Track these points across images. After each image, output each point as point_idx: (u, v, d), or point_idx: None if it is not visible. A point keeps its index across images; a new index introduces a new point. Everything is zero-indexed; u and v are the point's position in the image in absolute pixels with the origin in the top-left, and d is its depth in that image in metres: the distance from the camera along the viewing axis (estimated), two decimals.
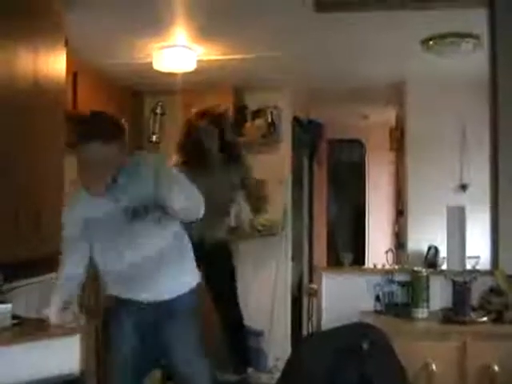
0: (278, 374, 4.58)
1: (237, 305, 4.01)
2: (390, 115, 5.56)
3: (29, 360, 2.30)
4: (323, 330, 2.64)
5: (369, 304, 2.64)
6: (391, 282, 2.57)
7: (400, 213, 5.19)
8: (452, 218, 2.83)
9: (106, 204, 2.40)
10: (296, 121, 5.46)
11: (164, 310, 2.49)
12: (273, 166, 5.18)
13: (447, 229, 2.76)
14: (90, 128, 2.38)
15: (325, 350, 2.06)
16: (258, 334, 4.81)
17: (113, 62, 4.16)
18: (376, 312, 2.59)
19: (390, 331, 2.15)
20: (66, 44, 3.20)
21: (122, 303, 2.53)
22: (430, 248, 4.46)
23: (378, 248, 5.58)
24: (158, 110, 5.09)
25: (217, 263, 3.88)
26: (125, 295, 2.52)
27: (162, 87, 4.78)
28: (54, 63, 3.11)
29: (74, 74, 4.11)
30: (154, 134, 5.06)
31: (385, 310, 2.58)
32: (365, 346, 1.92)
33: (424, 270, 2.55)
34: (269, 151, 5.20)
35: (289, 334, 5.05)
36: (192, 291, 2.56)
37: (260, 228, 5.05)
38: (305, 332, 5.08)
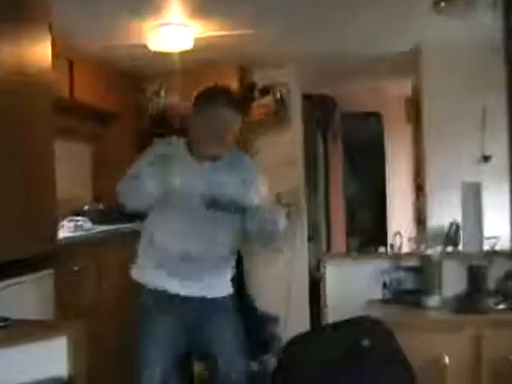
0: None
1: (245, 289, 3.84)
2: (406, 86, 5.29)
3: (13, 364, 2.17)
4: (327, 323, 2.46)
5: (376, 292, 2.44)
6: (399, 268, 2.36)
7: (419, 188, 4.94)
8: (467, 195, 2.61)
9: (193, 178, 2.31)
10: (306, 97, 5.24)
11: (206, 307, 2.41)
12: (283, 146, 4.99)
13: (462, 207, 2.54)
14: (227, 94, 2.46)
15: (325, 346, 1.90)
16: (274, 320, 4.66)
17: (108, 46, 3.98)
18: (383, 301, 2.39)
19: (398, 322, 1.97)
20: (51, 30, 3.03)
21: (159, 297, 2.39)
22: (451, 224, 4.22)
23: (399, 225, 5.36)
24: (162, 94, 4.91)
25: None
26: (164, 285, 2.38)
27: (165, 70, 4.59)
28: (37, 50, 2.94)
29: (69, 61, 3.97)
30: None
31: (393, 298, 2.38)
32: (365, 343, 1.74)
33: (436, 253, 2.32)
34: (278, 131, 4.99)
35: (307, 318, 4.88)
36: (231, 295, 2.53)
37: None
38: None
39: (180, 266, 2.37)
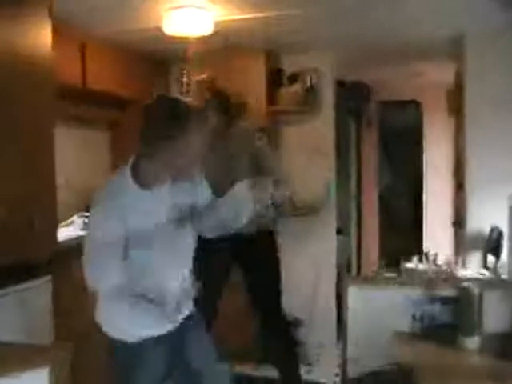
0: (317, 367, 4.25)
1: (279, 304, 3.54)
2: (448, 73, 4.88)
3: None
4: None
5: (404, 323, 2.12)
6: (432, 299, 2.03)
7: (459, 186, 4.56)
8: None
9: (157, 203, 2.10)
10: (339, 84, 4.88)
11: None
12: (313, 136, 4.68)
13: (509, 227, 2.18)
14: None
15: None
16: (298, 324, 4.38)
17: (124, 30, 3.70)
18: (413, 335, 2.06)
19: (428, 365, 1.66)
20: (51, 13, 2.78)
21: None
22: (492, 230, 3.86)
23: (436, 223, 5.02)
24: (184, 79, 4.60)
25: (258, 255, 3.43)
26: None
27: (188, 54, 4.30)
28: (36, 34, 2.70)
29: (82, 47, 3.70)
30: None
31: (424, 333, 2.05)
32: None
33: (476, 284, 1.97)
34: (308, 120, 4.68)
35: (334, 321, 4.59)
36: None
37: (300, 205, 4.56)
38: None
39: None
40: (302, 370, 3.84)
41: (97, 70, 3.79)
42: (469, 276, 3.07)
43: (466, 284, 1.96)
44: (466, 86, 4.29)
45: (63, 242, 2.96)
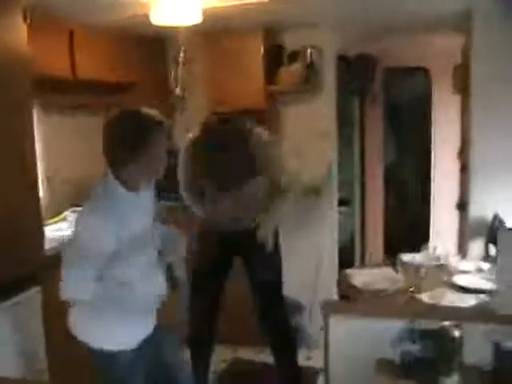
0: (317, 352, 4.23)
1: (280, 294, 3.51)
2: (457, 47, 4.68)
3: None
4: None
5: (387, 351, 2.06)
6: (412, 336, 1.96)
7: (463, 167, 4.43)
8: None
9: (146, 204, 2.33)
10: (342, 59, 4.71)
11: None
12: (314, 115, 4.55)
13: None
14: None
15: None
16: (298, 309, 4.35)
17: (112, 18, 3.57)
18: (394, 370, 2.00)
19: None
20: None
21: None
22: (494, 217, 3.76)
23: (443, 203, 4.88)
24: (181, 59, 4.47)
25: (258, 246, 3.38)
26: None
27: (185, 32, 4.14)
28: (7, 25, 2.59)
29: (69, 33, 3.58)
30: (176, 86, 4.47)
31: (405, 368, 1.99)
32: None
33: (455, 326, 1.90)
34: (309, 99, 4.55)
35: None
36: None
37: (300, 189, 4.48)
38: None
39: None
40: (302, 356, 3.87)
41: (87, 58, 3.69)
42: (462, 283, 2.97)
43: (445, 324, 1.88)
44: (473, 64, 4.11)
45: (51, 248, 2.90)
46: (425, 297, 2.93)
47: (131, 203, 2.17)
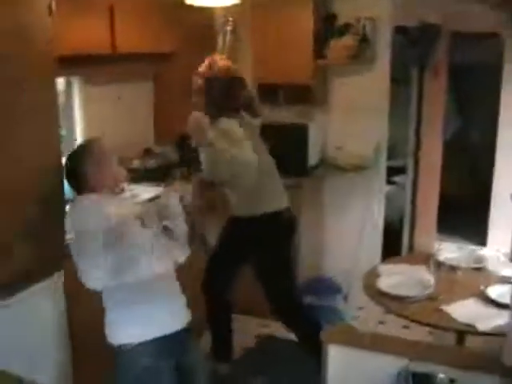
0: None
1: (291, 292, 3.46)
2: None
3: None
4: None
5: None
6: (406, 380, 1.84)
7: None
8: None
9: None
10: (400, 30, 4.42)
11: None
12: (365, 91, 4.33)
13: None
14: None
15: None
16: (336, 291, 4.28)
17: None
18: None
19: None
20: None
21: None
22: None
23: (507, 186, 4.53)
24: (228, 28, 4.31)
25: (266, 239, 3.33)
26: None
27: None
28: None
29: (109, 8, 3.50)
30: (223, 55, 4.32)
31: None
32: None
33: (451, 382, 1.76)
34: (360, 74, 4.34)
35: None
36: None
37: (346, 166, 4.34)
38: None
39: None
40: None
41: (128, 32, 3.59)
42: (493, 295, 2.80)
43: (440, 377, 1.76)
44: None
45: None
46: (452, 309, 2.79)
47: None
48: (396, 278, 3.11)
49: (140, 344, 2.26)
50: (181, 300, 2.44)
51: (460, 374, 1.78)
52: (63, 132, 3.75)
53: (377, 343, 2.00)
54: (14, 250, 2.49)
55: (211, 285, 3.45)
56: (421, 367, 1.84)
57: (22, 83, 2.48)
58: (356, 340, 2.03)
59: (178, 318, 2.38)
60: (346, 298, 4.23)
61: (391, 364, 1.91)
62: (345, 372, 2.02)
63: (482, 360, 1.83)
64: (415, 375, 1.79)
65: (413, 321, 2.81)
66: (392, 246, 4.71)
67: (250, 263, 3.40)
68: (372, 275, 3.23)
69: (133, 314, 2.29)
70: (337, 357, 2.02)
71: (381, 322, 4.19)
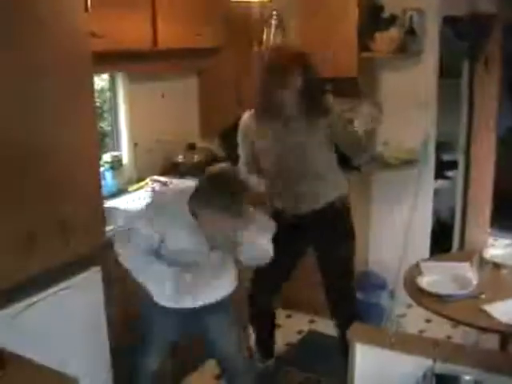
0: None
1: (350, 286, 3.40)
2: None
3: None
4: None
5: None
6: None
7: None
8: None
9: None
10: (449, 20, 4.29)
11: None
12: (412, 85, 4.24)
13: None
14: None
15: None
16: (380, 287, 4.21)
17: None
18: None
19: None
20: None
21: None
22: None
23: None
24: (273, 21, 4.31)
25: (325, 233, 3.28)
26: None
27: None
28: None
29: (151, 4, 3.53)
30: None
31: None
32: None
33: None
34: (407, 66, 4.25)
35: None
36: None
37: (393, 162, 4.26)
38: None
39: None
40: None
41: (170, 27, 3.61)
42: None
43: (465, 378, 1.70)
44: None
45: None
46: (494, 309, 2.69)
47: None
48: (437, 275, 3.03)
49: None
50: None
51: (486, 376, 1.72)
52: (108, 128, 3.84)
53: (402, 343, 1.95)
54: (51, 243, 2.53)
55: (258, 298, 3.43)
56: (446, 368, 1.78)
57: (58, 77, 2.51)
58: (381, 339, 1.99)
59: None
60: (392, 295, 4.14)
61: (416, 364, 1.86)
62: (371, 371, 1.98)
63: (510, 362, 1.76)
64: (439, 377, 1.74)
65: (452, 320, 2.73)
66: (443, 242, 4.61)
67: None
68: (414, 272, 3.16)
69: None
70: (363, 356, 1.99)
71: (428, 321, 4.09)
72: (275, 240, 3.23)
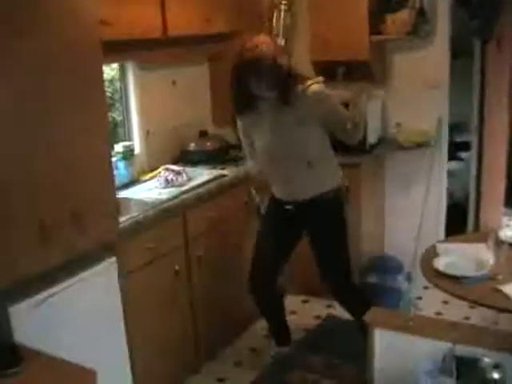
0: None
1: (347, 273, 3.42)
2: None
3: None
4: None
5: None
6: (450, 365, 1.79)
7: None
8: None
9: None
10: (460, 0, 4.24)
11: None
12: (424, 66, 4.21)
13: None
14: None
15: None
16: (397, 270, 4.20)
17: None
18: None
19: None
20: None
21: None
22: None
23: None
24: (283, 6, 4.29)
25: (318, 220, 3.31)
26: None
27: None
28: None
29: None
30: (277, 35, 4.30)
31: None
32: None
33: (495, 367, 1.69)
34: (418, 49, 4.21)
35: None
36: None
37: (407, 143, 4.25)
38: None
39: None
40: None
41: (179, 15, 3.59)
42: None
43: (485, 361, 1.70)
44: None
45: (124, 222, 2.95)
46: (511, 290, 2.69)
47: None
48: (453, 256, 3.04)
49: None
50: None
51: (506, 357, 1.72)
52: (119, 118, 3.84)
53: (420, 327, 1.96)
54: (65, 234, 2.50)
55: (258, 284, 3.46)
56: (466, 351, 1.79)
57: (68, 66, 2.46)
58: (400, 324, 1.99)
59: None
60: (409, 278, 4.14)
61: (436, 347, 1.86)
62: (390, 355, 1.99)
63: None
64: (459, 359, 1.75)
65: (469, 301, 2.73)
66: (458, 223, 4.59)
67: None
68: (430, 254, 3.16)
69: None
70: (382, 340, 2.00)
71: (445, 302, 4.09)
72: (272, 222, 3.31)
